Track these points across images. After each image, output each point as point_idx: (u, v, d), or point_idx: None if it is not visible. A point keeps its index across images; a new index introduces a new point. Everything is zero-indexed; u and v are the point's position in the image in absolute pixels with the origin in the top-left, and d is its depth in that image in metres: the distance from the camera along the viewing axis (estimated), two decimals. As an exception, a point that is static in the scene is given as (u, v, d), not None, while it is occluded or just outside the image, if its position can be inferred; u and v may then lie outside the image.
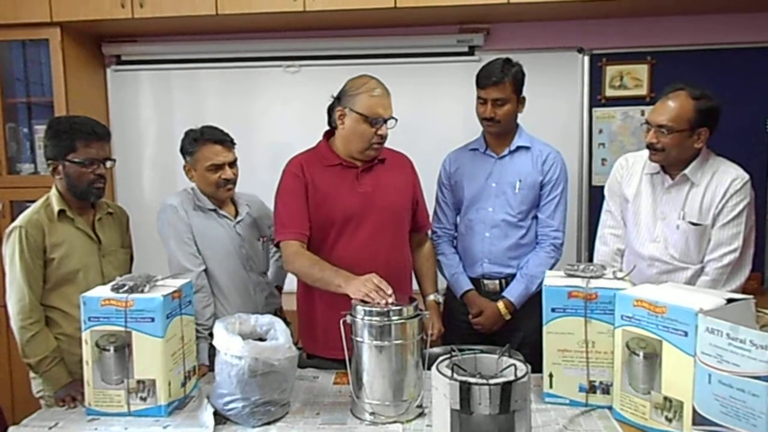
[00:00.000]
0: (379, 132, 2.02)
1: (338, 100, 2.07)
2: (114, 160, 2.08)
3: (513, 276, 2.37)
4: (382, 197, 2.09)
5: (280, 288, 2.46)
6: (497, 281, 2.39)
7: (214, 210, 2.19)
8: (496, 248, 2.37)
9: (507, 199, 2.36)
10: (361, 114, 2.00)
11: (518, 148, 2.37)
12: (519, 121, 2.40)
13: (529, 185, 2.35)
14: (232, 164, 2.18)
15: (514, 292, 2.34)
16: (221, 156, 2.14)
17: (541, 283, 2.23)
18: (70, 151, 1.96)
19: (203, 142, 2.14)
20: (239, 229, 2.21)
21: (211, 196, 2.19)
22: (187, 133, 2.19)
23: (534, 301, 2.23)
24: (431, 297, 2.24)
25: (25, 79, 3.27)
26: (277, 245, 2.08)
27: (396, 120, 2.06)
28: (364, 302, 1.71)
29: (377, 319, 1.67)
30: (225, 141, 2.16)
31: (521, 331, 2.31)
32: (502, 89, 2.26)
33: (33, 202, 2.05)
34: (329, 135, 2.15)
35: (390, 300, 1.69)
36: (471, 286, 2.41)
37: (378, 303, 1.69)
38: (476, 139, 2.46)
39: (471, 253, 2.42)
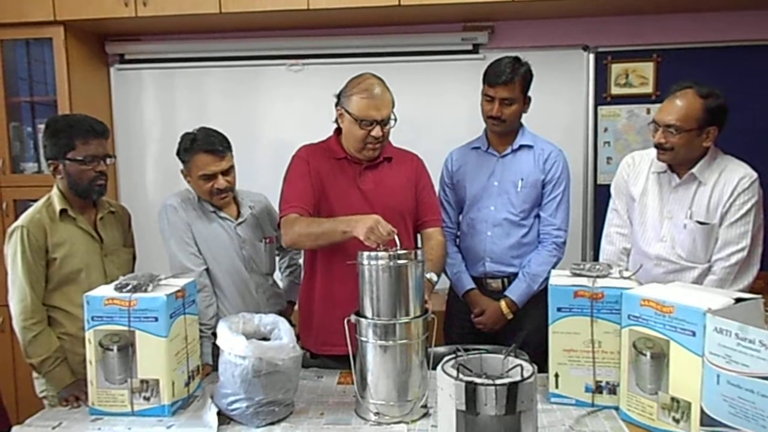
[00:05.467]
0: (372, 133, 1.99)
1: (338, 98, 2.06)
2: (114, 157, 2.08)
3: (516, 275, 2.36)
4: (383, 196, 2.07)
5: (292, 303, 2.41)
6: (500, 280, 2.38)
7: (214, 211, 2.17)
8: (498, 247, 2.36)
9: (509, 198, 2.35)
10: (352, 116, 2.00)
11: (521, 146, 2.36)
12: (524, 119, 2.38)
13: (531, 184, 2.33)
14: (227, 172, 2.11)
15: (516, 291, 2.33)
16: (212, 166, 2.07)
17: (543, 282, 2.23)
18: (69, 149, 1.95)
19: (194, 152, 2.08)
20: (240, 231, 2.18)
21: (208, 201, 2.17)
22: (182, 138, 2.14)
23: (536, 300, 2.22)
24: (426, 275, 2.04)
25: (29, 78, 3.26)
26: (279, 227, 2.05)
27: (395, 119, 2.03)
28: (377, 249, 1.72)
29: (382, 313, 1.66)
30: (216, 150, 2.07)
31: (524, 330, 2.30)
32: (511, 89, 2.24)
33: (36, 201, 2.04)
34: (341, 130, 2.13)
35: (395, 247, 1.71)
36: (473, 285, 2.40)
37: (386, 249, 1.69)
38: (478, 138, 2.45)
39: (473, 252, 2.41)
